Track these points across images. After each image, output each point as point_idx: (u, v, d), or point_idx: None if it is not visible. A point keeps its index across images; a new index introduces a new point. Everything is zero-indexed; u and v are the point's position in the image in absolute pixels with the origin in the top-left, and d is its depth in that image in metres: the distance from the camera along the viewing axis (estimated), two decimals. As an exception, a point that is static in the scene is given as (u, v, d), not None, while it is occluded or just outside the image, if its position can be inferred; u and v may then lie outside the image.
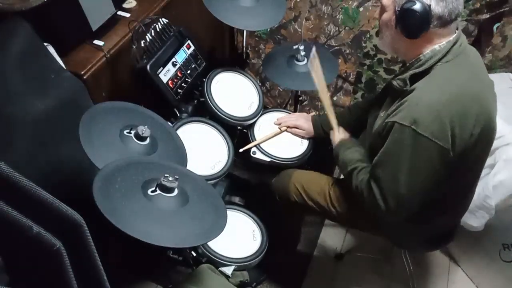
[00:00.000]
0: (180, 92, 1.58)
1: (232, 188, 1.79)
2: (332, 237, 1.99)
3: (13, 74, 1.13)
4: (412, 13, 1.09)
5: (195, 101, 1.66)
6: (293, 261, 1.86)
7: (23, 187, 0.73)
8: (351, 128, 1.51)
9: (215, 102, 1.60)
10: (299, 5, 2.05)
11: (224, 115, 1.60)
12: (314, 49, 1.54)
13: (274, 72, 1.74)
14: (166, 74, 1.52)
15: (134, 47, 1.45)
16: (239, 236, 1.58)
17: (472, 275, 1.88)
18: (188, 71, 1.62)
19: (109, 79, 1.43)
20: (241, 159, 1.68)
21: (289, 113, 1.78)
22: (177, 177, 1.08)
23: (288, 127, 1.69)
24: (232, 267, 1.46)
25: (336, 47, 2.11)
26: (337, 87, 2.26)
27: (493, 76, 1.28)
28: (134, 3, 1.56)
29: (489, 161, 1.50)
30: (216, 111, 1.60)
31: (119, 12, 1.51)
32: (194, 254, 1.49)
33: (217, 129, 1.61)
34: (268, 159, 1.62)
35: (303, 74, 1.70)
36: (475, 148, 1.15)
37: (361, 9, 1.94)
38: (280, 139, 1.69)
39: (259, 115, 1.70)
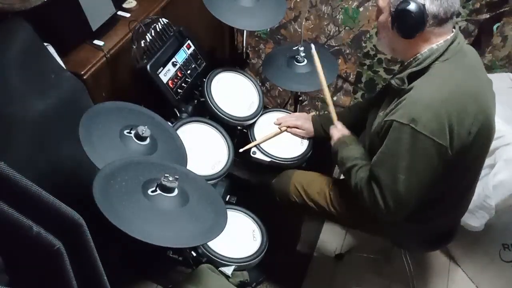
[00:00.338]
0: (180, 92, 1.58)
1: (232, 188, 1.78)
2: (332, 237, 1.99)
3: (13, 74, 1.13)
4: (407, 14, 1.09)
5: (195, 101, 1.66)
6: (293, 261, 1.86)
7: (23, 187, 0.73)
8: (351, 128, 1.51)
9: (215, 102, 1.60)
10: (299, 5, 2.05)
11: (224, 115, 1.60)
12: (313, 47, 1.56)
13: (274, 73, 1.74)
14: (166, 74, 1.52)
15: (134, 47, 1.45)
16: (239, 236, 1.58)
17: (472, 275, 1.88)
18: (188, 71, 1.62)
19: (109, 79, 1.43)
20: (241, 159, 1.67)
21: (289, 113, 1.78)
22: (177, 177, 1.08)
23: (288, 127, 1.68)
24: (232, 267, 1.46)
25: (336, 47, 2.11)
26: (337, 87, 2.26)
27: (492, 76, 1.28)
28: (134, 3, 1.56)
29: (489, 161, 1.51)
30: (216, 111, 1.60)
31: (119, 12, 1.51)
32: (194, 254, 1.48)
33: (217, 129, 1.61)
34: (268, 159, 1.62)
35: (303, 75, 1.70)
36: (473, 146, 1.15)
37: (361, 9, 1.94)
38: (280, 139, 1.69)
39: (259, 115, 1.70)
